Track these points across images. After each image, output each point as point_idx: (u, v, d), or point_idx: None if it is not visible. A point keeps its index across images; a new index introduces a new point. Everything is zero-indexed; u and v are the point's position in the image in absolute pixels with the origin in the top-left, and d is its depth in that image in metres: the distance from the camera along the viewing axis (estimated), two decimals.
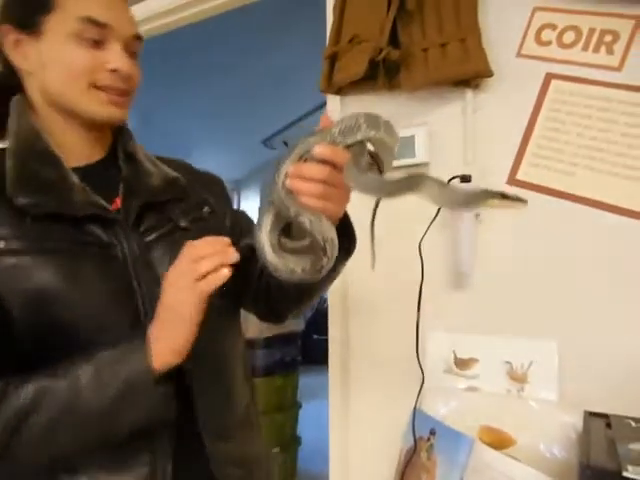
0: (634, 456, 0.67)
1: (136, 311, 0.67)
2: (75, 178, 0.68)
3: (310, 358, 3.28)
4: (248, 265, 0.79)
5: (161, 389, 0.60)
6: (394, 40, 1.13)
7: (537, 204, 1.04)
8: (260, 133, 4.42)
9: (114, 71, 0.67)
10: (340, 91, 1.27)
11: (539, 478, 0.86)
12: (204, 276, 0.59)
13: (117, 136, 0.77)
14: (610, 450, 0.71)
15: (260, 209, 0.65)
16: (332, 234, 0.61)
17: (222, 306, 0.77)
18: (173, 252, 0.70)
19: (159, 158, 0.81)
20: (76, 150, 0.72)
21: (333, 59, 1.23)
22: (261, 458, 0.80)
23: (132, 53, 0.70)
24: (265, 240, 0.63)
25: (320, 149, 0.57)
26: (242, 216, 0.89)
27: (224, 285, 0.64)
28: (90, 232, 0.66)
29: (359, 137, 0.59)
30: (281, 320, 0.87)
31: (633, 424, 0.82)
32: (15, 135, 0.67)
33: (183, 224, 0.74)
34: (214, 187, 0.86)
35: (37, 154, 0.67)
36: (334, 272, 0.70)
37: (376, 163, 0.64)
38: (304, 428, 2.96)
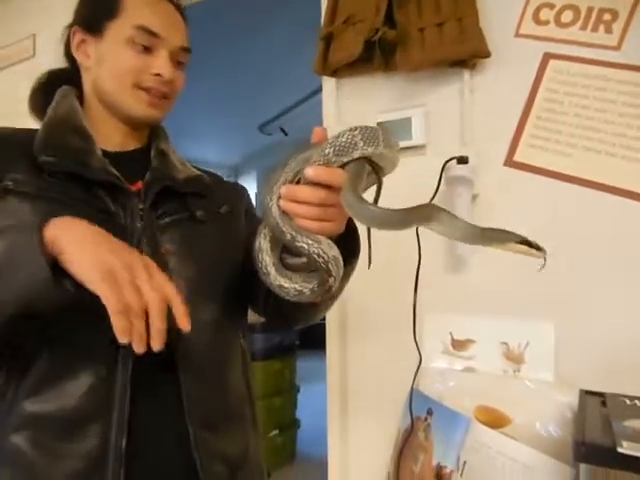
0: (629, 432, 0.68)
1: None
2: (100, 153, 0.71)
3: (309, 343, 3.30)
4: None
5: (42, 260, 0.54)
6: (390, 20, 1.12)
7: (534, 185, 1.04)
8: (256, 119, 4.39)
9: (157, 75, 0.72)
10: (335, 73, 1.25)
11: (534, 455, 0.87)
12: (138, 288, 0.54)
13: (153, 135, 0.82)
14: (605, 427, 0.72)
15: (258, 231, 0.62)
16: (333, 252, 0.57)
17: (228, 298, 0.77)
18: (185, 239, 0.74)
19: (192, 165, 0.85)
20: (111, 138, 0.77)
21: (328, 40, 1.22)
22: (249, 461, 0.78)
23: (178, 62, 0.76)
24: (268, 261, 0.61)
25: (312, 172, 0.55)
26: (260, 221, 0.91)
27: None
28: (99, 197, 0.69)
29: (355, 155, 0.55)
30: (292, 327, 0.88)
31: (628, 402, 0.83)
32: (53, 111, 0.73)
33: (199, 215, 0.77)
34: (237, 193, 0.89)
35: (71, 127, 0.72)
36: (344, 280, 0.70)
37: (375, 172, 0.60)
38: (303, 411, 2.99)
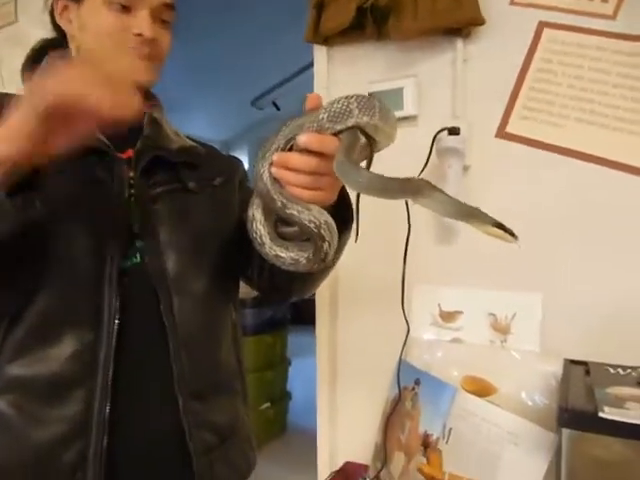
0: (610, 399, 0.69)
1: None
2: None
3: (301, 318, 3.32)
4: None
5: None
6: None
7: (525, 157, 1.04)
8: (249, 93, 4.31)
9: (139, 35, 0.70)
10: (327, 41, 1.23)
11: (519, 422, 0.89)
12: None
13: (146, 101, 0.79)
14: (588, 394, 0.73)
15: (250, 201, 0.61)
16: (325, 217, 0.56)
17: (220, 270, 0.77)
18: (177, 209, 0.73)
19: (187, 136, 0.83)
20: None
21: (320, 8, 1.18)
22: (238, 430, 0.79)
23: (162, 21, 0.73)
24: (262, 231, 0.59)
25: (305, 138, 0.53)
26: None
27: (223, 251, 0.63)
28: (88, 164, 0.67)
29: (350, 124, 0.53)
30: (286, 299, 0.87)
31: (611, 370, 0.84)
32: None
33: (192, 186, 0.75)
34: (232, 165, 0.87)
35: None
36: (338, 251, 0.69)
37: (369, 145, 0.58)
38: (294, 384, 3.03)
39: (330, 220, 0.57)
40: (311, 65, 1.32)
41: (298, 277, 0.76)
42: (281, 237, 0.61)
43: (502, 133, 1.05)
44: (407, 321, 1.12)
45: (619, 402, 0.68)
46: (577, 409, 0.68)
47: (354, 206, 0.66)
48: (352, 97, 0.53)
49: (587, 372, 0.85)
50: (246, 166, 0.89)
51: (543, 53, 1.00)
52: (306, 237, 0.59)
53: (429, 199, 0.54)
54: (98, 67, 0.69)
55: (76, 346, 0.63)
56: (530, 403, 0.95)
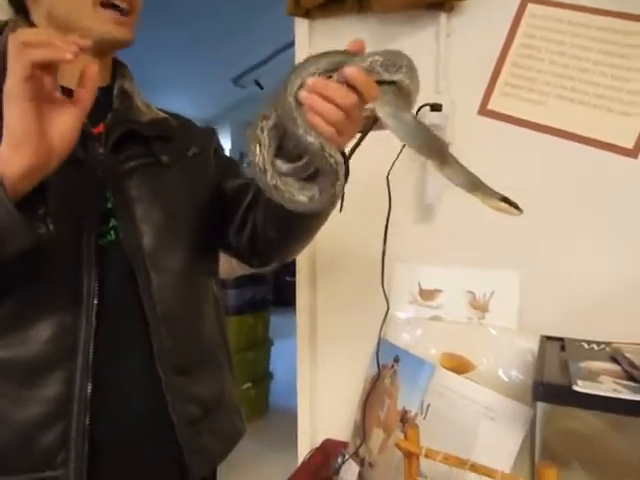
0: (584, 372, 0.70)
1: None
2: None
3: (283, 299, 3.33)
4: (232, 205, 0.79)
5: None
6: None
7: (507, 134, 1.03)
8: (230, 71, 4.23)
9: None
10: (308, 14, 1.20)
11: (495, 397, 0.90)
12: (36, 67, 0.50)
13: (117, 74, 0.76)
14: (562, 369, 0.74)
15: (253, 123, 0.57)
16: (340, 157, 0.55)
17: (197, 243, 0.76)
18: (150, 184, 0.71)
19: (158, 108, 0.80)
20: (70, 74, 0.69)
21: None
22: (225, 402, 0.80)
23: None
24: (266, 157, 0.56)
25: (356, 71, 0.51)
26: (231, 161, 0.89)
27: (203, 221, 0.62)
28: None
29: (396, 78, 0.53)
30: (265, 263, 0.85)
31: (586, 346, 0.85)
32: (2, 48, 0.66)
33: (165, 160, 0.74)
34: (206, 136, 0.85)
35: None
36: (327, 212, 0.69)
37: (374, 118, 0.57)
38: (277, 365, 3.04)
39: (342, 162, 0.55)
40: (293, 44, 1.29)
41: (276, 242, 0.75)
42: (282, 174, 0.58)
43: (484, 110, 1.04)
44: (387, 300, 1.12)
45: (592, 376, 0.69)
46: (551, 383, 0.69)
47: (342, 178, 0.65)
48: (404, 55, 0.54)
49: (562, 348, 0.86)
50: (229, 146, 0.88)
51: (526, 29, 0.99)
52: (307, 174, 0.56)
53: (448, 165, 0.56)
54: (69, 28, 0.67)
55: (55, 328, 0.62)
56: (507, 379, 0.97)
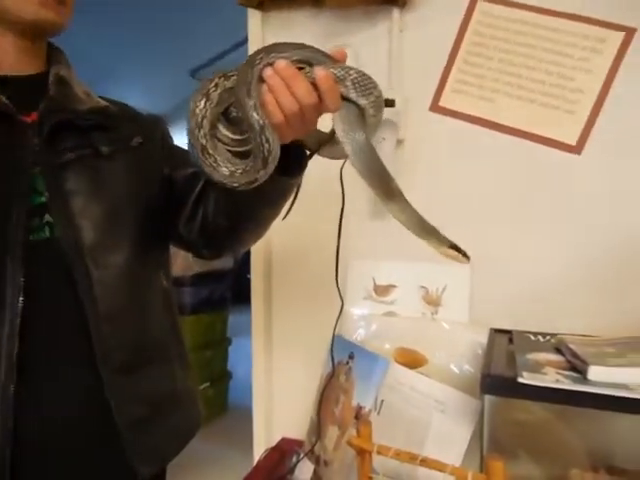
0: (530, 364, 0.72)
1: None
2: None
3: (243, 297, 3.29)
4: (181, 194, 0.76)
5: None
6: None
7: (458, 131, 1.04)
8: (188, 63, 4.12)
9: None
10: (261, 6, 1.17)
11: (446, 391, 0.91)
12: None
13: (52, 60, 0.72)
14: (509, 361, 0.76)
15: (207, 79, 0.55)
16: (277, 148, 0.54)
17: (143, 237, 0.73)
18: (89, 177, 0.67)
19: (100, 97, 0.76)
20: (4, 59, 0.67)
21: None
22: (177, 397, 0.77)
23: None
24: (206, 119, 0.54)
25: (326, 74, 0.50)
26: (180, 149, 0.86)
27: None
28: None
29: (361, 102, 0.53)
30: (217, 254, 0.82)
31: (532, 337, 0.87)
32: None
33: (105, 151, 0.70)
34: (151, 125, 0.82)
35: None
36: (281, 197, 0.68)
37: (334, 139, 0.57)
38: (236, 364, 3.00)
39: (279, 154, 0.54)
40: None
41: (226, 228, 0.73)
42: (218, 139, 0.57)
43: (436, 106, 1.05)
44: (341, 296, 1.11)
45: (538, 367, 0.70)
46: (498, 375, 0.70)
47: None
48: (377, 87, 0.53)
49: (510, 340, 0.88)
50: (185, 140, 0.84)
51: (476, 26, 1.01)
52: (240, 150, 0.56)
53: (393, 201, 0.57)
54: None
55: None
56: (458, 372, 0.98)
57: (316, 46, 1.15)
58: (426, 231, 0.61)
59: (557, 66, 0.94)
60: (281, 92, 0.51)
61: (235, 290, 3.18)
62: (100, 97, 0.76)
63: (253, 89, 0.51)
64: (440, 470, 0.71)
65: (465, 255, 0.62)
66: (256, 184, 0.55)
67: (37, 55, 0.70)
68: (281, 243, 1.24)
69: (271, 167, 0.54)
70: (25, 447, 0.61)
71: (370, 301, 1.13)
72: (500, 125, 0.99)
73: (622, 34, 0.91)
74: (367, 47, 1.11)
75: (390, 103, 1.04)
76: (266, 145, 0.52)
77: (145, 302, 0.74)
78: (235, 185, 0.55)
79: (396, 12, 1.06)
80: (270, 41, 1.23)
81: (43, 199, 0.64)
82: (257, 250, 1.25)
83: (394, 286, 1.11)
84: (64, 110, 0.67)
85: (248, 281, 1.30)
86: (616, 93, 0.93)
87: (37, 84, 0.69)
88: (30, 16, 0.64)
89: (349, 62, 1.07)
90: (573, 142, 0.94)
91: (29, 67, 0.70)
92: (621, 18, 0.92)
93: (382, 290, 1.12)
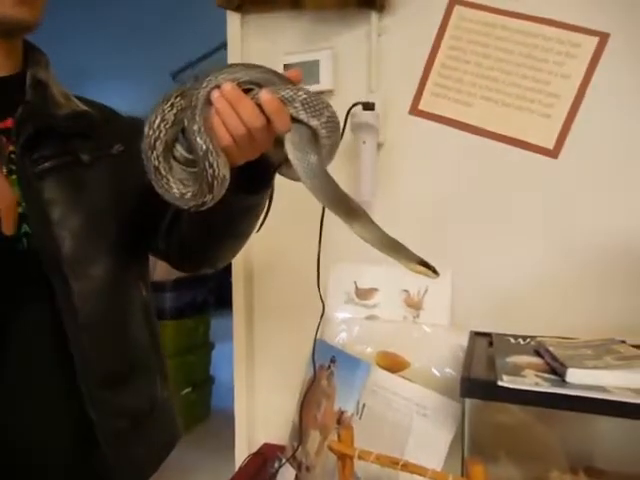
0: (510, 367, 0.72)
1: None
2: None
3: (226, 301, 3.26)
4: (161, 206, 0.73)
5: None
6: None
7: (437, 135, 1.05)
8: (170, 65, 4.09)
9: None
10: (240, 8, 1.17)
11: (427, 394, 0.91)
12: None
13: (29, 61, 0.69)
14: (489, 364, 0.76)
15: (164, 98, 0.54)
16: (225, 172, 0.52)
17: (124, 248, 0.71)
18: (68, 186, 0.65)
19: (79, 98, 0.73)
20: None
21: None
22: (157, 409, 0.76)
23: None
24: (160, 140, 0.53)
25: (270, 97, 0.50)
26: None
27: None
28: None
29: (313, 123, 0.52)
30: (196, 268, 0.81)
31: (512, 340, 0.88)
32: None
33: (85, 159, 0.68)
34: (134, 128, 0.79)
35: None
36: (252, 213, 0.67)
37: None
38: (219, 368, 2.97)
39: (228, 177, 0.53)
40: None
41: (201, 244, 0.72)
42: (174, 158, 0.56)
43: (415, 110, 1.05)
44: (322, 300, 1.11)
45: (517, 370, 0.70)
46: (477, 379, 0.70)
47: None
48: (330, 107, 0.52)
49: (490, 343, 0.88)
50: None
51: (454, 30, 1.01)
52: (194, 170, 0.54)
53: (362, 226, 0.57)
54: None
55: None
56: (439, 375, 0.98)
57: (295, 49, 1.15)
58: (393, 249, 0.60)
59: (533, 70, 0.95)
60: (227, 115, 0.51)
61: (217, 294, 3.15)
62: (77, 97, 0.73)
63: (198, 113, 0.51)
64: (421, 474, 0.70)
65: (434, 271, 0.61)
66: (206, 207, 0.54)
67: (11, 55, 0.67)
68: (262, 247, 1.23)
69: (218, 191, 0.52)
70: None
71: (352, 305, 1.12)
72: (478, 128, 1.00)
73: (596, 39, 0.92)
74: (346, 50, 1.11)
75: (369, 106, 1.04)
76: (209, 170, 0.51)
77: (125, 313, 0.72)
78: (185, 207, 0.54)
79: (375, 16, 1.06)
80: (249, 44, 1.24)
81: (20, 209, 0.61)
82: (237, 255, 1.24)
83: (376, 289, 1.11)
84: (42, 115, 0.65)
85: (230, 285, 1.29)
86: (591, 97, 0.94)
87: (13, 87, 0.66)
88: (6, 14, 0.61)
89: (329, 65, 1.09)
90: (550, 146, 0.95)
91: (2, 70, 0.66)
92: (595, 23, 0.93)
93: (364, 293, 1.12)
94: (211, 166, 0.51)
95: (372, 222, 0.58)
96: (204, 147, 0.50)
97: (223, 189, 0.53)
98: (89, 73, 3.63)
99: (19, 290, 0.61)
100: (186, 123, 0.51)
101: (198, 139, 0.50)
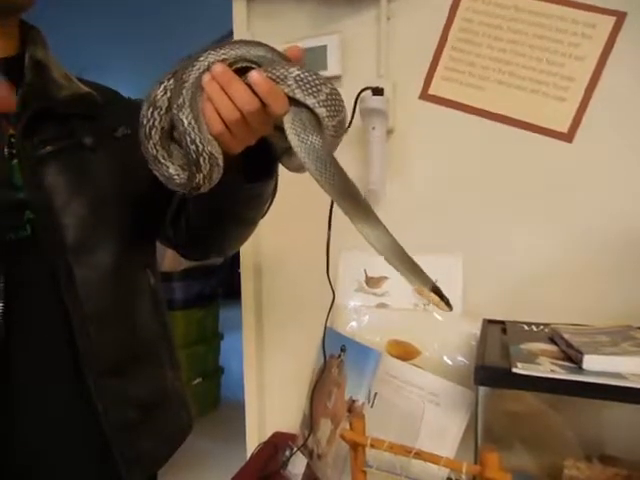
0: (524, 354, 0.71)
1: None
2: None
3: (234, 291, 3.27)
4: (169, 191, 0.74)
5: None
6: None
7: (448, 119, 1.03)
8: (177, 55, 4.06)
9: None
10: None
11: (439, 383, 0.90)
12: None
13: (27, 41, 0.66)
14: (503, 352, 0.75)
15: (155, 84, 0.51)
16: (211, 148, 0.49)
17: (130, 234, 0.70)
18: (71, 171, 0.63)
19: (81, 80, 0.70)
20: None
21: None
22: (168, 399, 0.75)
23: None
24: (155, 129, 0.50)
25: (260, 77, 0.46)
26: None
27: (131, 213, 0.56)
28: None
29: (309, 101, 0.47)
30: (204, 256, 0.80)
31: (526, 327, 0.87)
32: None
33: (88, 142, 0.65)
34: (138, 113, 0.77)
35: None
36: (258, 200, 0.65)
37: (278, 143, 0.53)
38: (229, 359, 2.99)
39: (216, 154, 0.50)
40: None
41: (207, 231, 0.70)
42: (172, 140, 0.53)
43: (425, 94, 1.03)
44: (332, 288, 1.10)
45: (531, 357, 0.69)
46: (492, 366, 0.69)
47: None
48: (328, 83, 0.48)
49: (504, 331, 0.87)
50: None
51: (465, 12, 0.99)
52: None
53: (370, 227, 0.51)
54: None
55: None
56: (451, 363, 0.97)
57: (302, 34, 1.13)
58: (405, 263, 0.54)
59: (547, 52, 0.93)
60: (220, 100, 0.48)
61: (226, 285, 3.15)
62: (80, 80, 0.71)
63: (186, 92, 0.48)
64: (434, 462, 0.70)
65: (447, 303, 0.55)
66: (202, 190, 0.52)
67: (8, 36, 0.65)
68: (271, 236, 1.22)
69: (207, 169, 0.49)
70: (6, 456, 0.58)
71: (362, 293, 1.11)
72: (491, 113, 0.98)
73: (613, 19, 0.89)
74: (355, 35, 1.09)
75: (379, 91, 1.02)
76: (192, 147, 0.48)
77: (132, 301, 0.71)
78: (185, 192, 0.52)
79: None
80: (256, 29, 1.22)
81: (22, 195, 0.60)
82: (246, 243, 1.23)
83: (386, 277, 1.10)
84: (43, 97, 0.63)
85: (239, 276, 1.28)
86: (607, 80, 0.92)
87: (11, 69, 0.64)
88: None
89: (337, 50, 1.07)
90: (564, 130, 0.93)
91: (0, 50, 0.64)
92: (611, 2, 0.90)
93: (374, 282, 1.11)
94: (193, 142, 0.48)
95: (382, 225, 0.53)
96: (185, 122, 0.47)
97: (215, 168, 0.50)
98: (98, 65, 3.62)
99: (22, 280, 0.60)
100: (174, 101, 0.49)
101: (181, 115, 0.47)
